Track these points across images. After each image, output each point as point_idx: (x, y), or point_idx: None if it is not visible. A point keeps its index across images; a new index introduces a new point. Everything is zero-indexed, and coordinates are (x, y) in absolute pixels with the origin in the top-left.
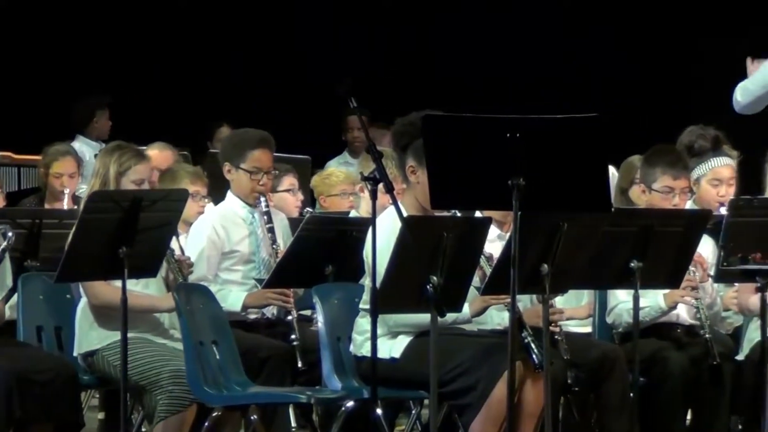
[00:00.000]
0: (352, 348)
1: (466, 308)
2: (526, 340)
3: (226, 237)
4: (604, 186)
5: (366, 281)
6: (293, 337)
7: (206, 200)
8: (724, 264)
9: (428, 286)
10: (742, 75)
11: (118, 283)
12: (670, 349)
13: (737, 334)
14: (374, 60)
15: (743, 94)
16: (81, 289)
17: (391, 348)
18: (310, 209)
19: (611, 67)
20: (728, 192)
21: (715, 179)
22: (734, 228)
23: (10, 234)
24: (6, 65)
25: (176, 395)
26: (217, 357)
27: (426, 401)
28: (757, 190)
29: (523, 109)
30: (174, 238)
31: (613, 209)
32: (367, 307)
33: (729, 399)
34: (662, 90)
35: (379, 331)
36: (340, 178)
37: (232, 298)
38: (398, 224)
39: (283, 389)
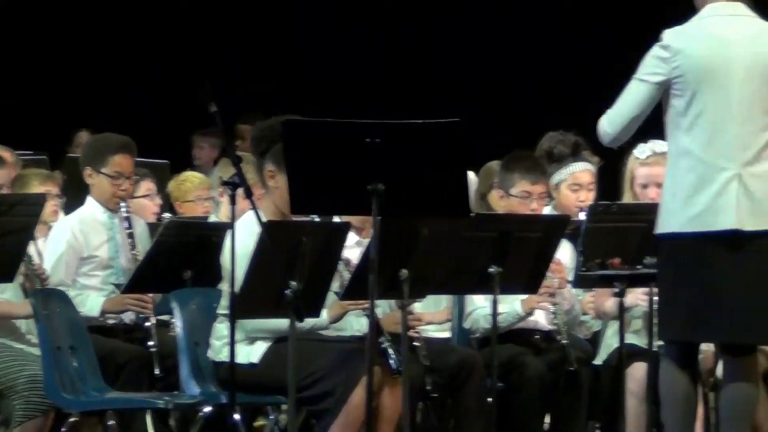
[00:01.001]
0: (210, 353)
1: (325, 314)
2: (384, 346)
3: (85, 242)
4: (464, 191)
5: (224, 286)
6: (151, 342)
7: (59, 199)
8: (583, 269)
9: (287, 292)
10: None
11: None
12: (527, 354)
13: (595, 339)
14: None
15: (610, 125)
16: None
17: (250, 353)
18: (167, 214)
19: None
20: (588, 197)
21: (575, 184)
22: (593, 233)
23: None
24: None
25: (33, 401)
26: (75, 362)
27: (284, 406)
28: (616, 195)
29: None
30: (32, 242)
31: (472, 214)
32: (226, 312)
33: (586, 404)
34: (524, 95)
35: (237, 337)
36: (195, 184)
37: (91, 303)
38: (257, 229)
39: (141, 394)
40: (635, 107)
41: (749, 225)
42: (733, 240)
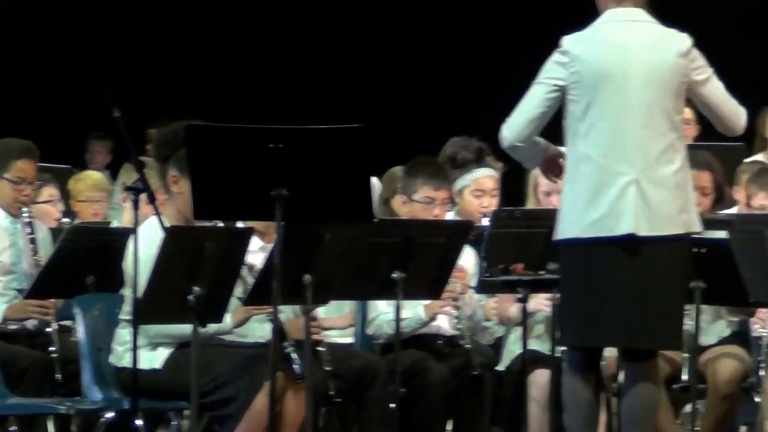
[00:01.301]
0: (112, 359)
1: (228, 319)
2: (287, 351)
3: None
4: (367, 197)
5: (127, 292)
6: (52, 348)
7: None
8: (486, 275)
9: (189, 297)
10: None
11: None
12: (430, 359)
13: (498, 345)
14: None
15: (509, 130)
16: None
17: (152, 359)
18: (67, 219)
19: None
20: (491, 203)
21: (478, 190)
22: (496, 239)
23: None
24: None
25: None
26: None
27: (187, 412)
28: (520, 201)
29: None
30: None
31: (375, 220)
32: (128, 317)
33: (489, 410)
34: (427, 100)
35: (140, 342)
36: (87, 184)
37: None
38: (160, 234)
39: (43, 400)
40: (533, 112)
41: (646, 230)
42: (630, 245)
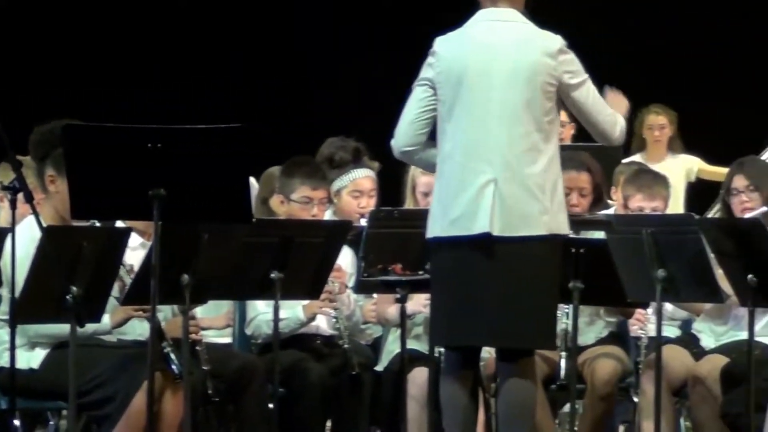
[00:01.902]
0: None
1: (106, 319)
2: (165, 350)
3: None
4: (245, 197)
5: (4, 291)
6: None
7: None
8: (365, 275)
9: (67, 297)
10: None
11: None
12: (309, 359)
13: (377, 345)
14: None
15: (396, 137)
16: None
17: (30, 359)
18: None
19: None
20: (369, 203)
21: (356, 191)
22: (374, 239)
23: None
24: None
25: None
26: None
27: (65, 412)
28: (398, 201)
29: None
30: None
31: (253, 220)
32: (5, 317)
33: (368, 409)
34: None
35: (18, 342)
36: None
37: None
38: (37, 234)
39: None
40: (411, 115)
41: (501, 230)
42: (488, 245)
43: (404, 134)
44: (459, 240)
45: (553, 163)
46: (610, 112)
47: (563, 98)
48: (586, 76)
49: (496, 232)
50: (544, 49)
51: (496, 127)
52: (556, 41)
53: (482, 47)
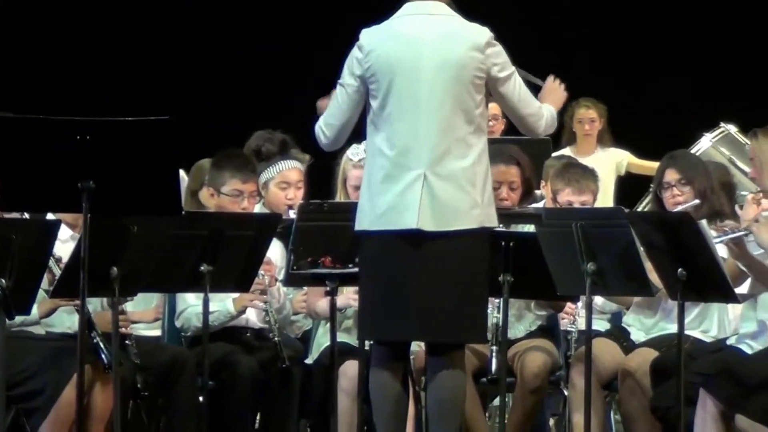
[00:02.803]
0: None
1: (35, 310)
2: (95, 341)
3: None
4: (175, 189)
5: None
6: None
7: None
8: (294, 268)
9: None
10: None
11: None
12: (239, 352)
13: (306, 338)
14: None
15: (324, 129)
16: None
17: None
18: None
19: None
20: (297, 195)
21: (283, 182)
22: (304, 232)
23: None
24: None
25: None
26: None
27: None
28: (328, 194)
29: None
30: None
31: (183, 213)
32: None
33: (298, 402)
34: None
35: None
36: None
37: None
38: None
39: None
40: (341, 113)
41: (431, 226)
42: (416, 240)
43: (338, 137)
44: (386, 234)
45: (482, 156)
46: (537, 106)
47: (491, 91)
48: (513, 69)
49: (426, 228)
50: (472, 42)
51: (425, 121)
52: (484, 34)
53: (410, 42)
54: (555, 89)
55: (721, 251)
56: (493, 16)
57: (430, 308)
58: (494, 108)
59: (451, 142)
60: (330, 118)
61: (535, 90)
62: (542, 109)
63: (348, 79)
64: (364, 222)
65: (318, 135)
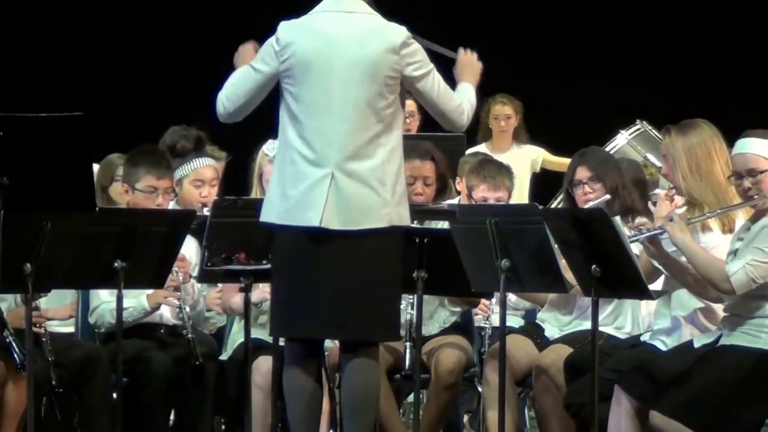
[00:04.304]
0: None
1: None
2: (8, 340)
3: None
4: (89, 185)
5: None
6: None
7: None
8: (208, 264)
9: None
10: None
11: None
12: (153, 349)
13: (220, 334)
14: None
15: (225, 102)
16: None
17: None
18: None
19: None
20: (210, 193)
21: (198, 180)
22: (218, 228)
23: None
24: None
25: None
26: None
27: None
28: (243, 190)
29: None
30: None
31: (97, 209)
32: None
33: (212, 399)
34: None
35: None
36: None
37: None
38: None
39: None
40: (246, 94)
41: (337, 225)
42: (324, 238)
43: (236, 114)
44: (292, 230)
45: (394, 154)
46: (457, 100)
47: (409, 89)
48: (431, 66)
49: (332, 227)
50: (388, 42)
51: (337, 120)
52: (400, 34)
53: (326, 40)
54: (470, 62)
55: (635, 248)
56: (409, 14)
57: (340, 306)
58: (410, 105)
59: (361, 141)
60: (233, 94)
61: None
62: (463, 103)
63: (261, 65)
64: (271, 214)
65: (218, 105)
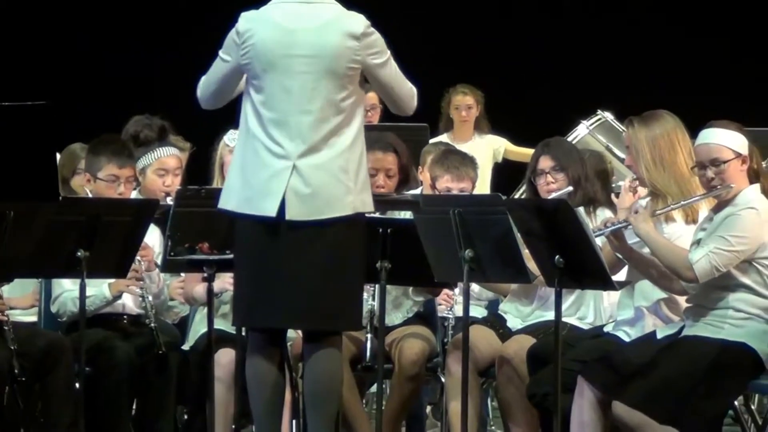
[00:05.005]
0: None
1: None
2: None
3: None
4: (52, 175)
5: None
6: None
7: None
8: (172, 254)
9: None
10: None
11: None
12: (116, 338)
13: (184, 324)
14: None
15: (201, 89)
16: None
17: None
18: None
19: None
20: (174, 182)
21: (161, 169)
22: (181, 218)
23: None
24: None
25: None
26: None
27: None
28: (206, 181)
29: None
30: None
31: (60, 198)
32: None
33: (174, 389)
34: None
35: None
36: None
37: None
38: None
39: None
40: (216, 82)
41: (300, 215)
42: (281, 227)
43: (211, 101)
44: (252, 219)
45: (356, 142)
46: (408, 84)
47: (367, 77)
48: (388, 53)
49: (296, 218)
50: (348, 32)
51: (297, 111)
52: (360, 24)
53: (285, 32)
54: None
55: (599, 240)
56: (370, 5)
57: (303, 296)
58: (372, 98)
59: (322, 132)
60: (207, 81)
61: None
62: (413, 88)
63: (225, 56)
64: (230, 202)
65: (198, 91)
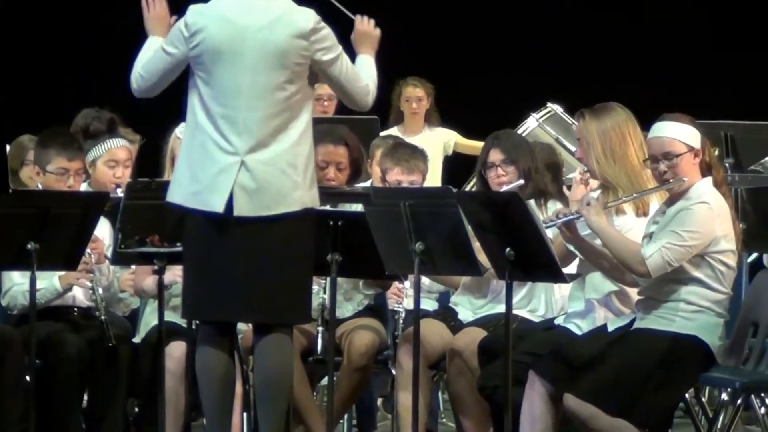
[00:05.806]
0: None
1: None
2: None
3: None
4: (2, 168)
5: None
6: None
7: None
8: (122, 246)
9: None
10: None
11: None
12: (66, 331)
13: (134, 316)
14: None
15: (138, 79)
16: None
17: None
18: None
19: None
20: (124, 174)
21: (111, 161)
22: (131, 210)
23: None
24: None
25: None
26: None
27: None
28: (156, 174)
29: None
30: None
31: (10, 191)
32: None
33: (125, 382)
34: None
35: None
36: None
37: None
38: None
39: None
40: (158, 73)
41: (248, 211)
42: (229, 222)
43: (147, 91)
44: (199, 213)
45: (304, 137)
46: (363, 81)
47: (318, 73)
48: (339, 49)
49: (246, 214)
50: (297, 28)
51: (245, 107)
52: (309, 19)
53: (234, 28)
54: (367, 32)
55: (550, 232)
56: None
57: (252, 289)
58: (328, 88)
59: (270, 128)
60: (146, 72)
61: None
62: (369, 84)
63: (171, 48)
64: (177, 195)
65: (132, 81)
